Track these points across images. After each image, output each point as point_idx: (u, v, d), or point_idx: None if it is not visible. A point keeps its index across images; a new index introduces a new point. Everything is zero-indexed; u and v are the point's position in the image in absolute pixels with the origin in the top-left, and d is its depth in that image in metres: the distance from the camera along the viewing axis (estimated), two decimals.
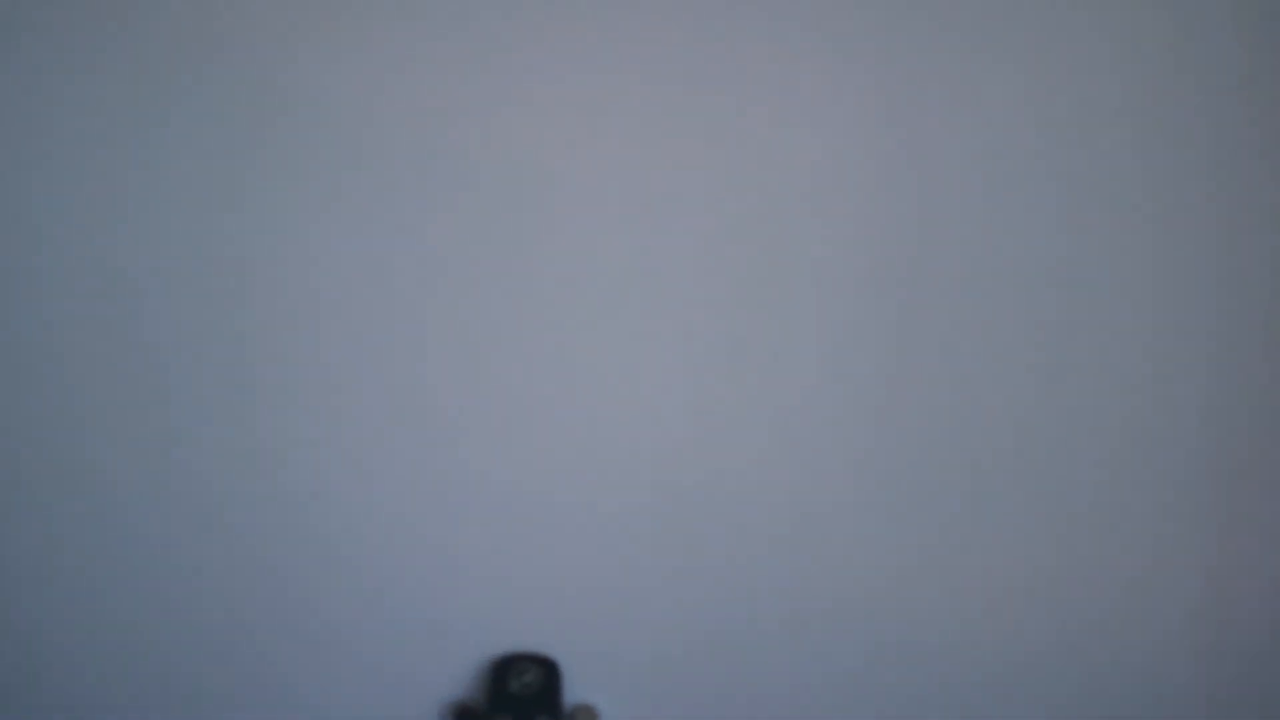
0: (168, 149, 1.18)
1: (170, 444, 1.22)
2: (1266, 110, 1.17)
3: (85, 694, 1.27)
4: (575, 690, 1.27)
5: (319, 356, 1.21)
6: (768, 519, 1.24)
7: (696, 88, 1.17)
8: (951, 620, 1.26)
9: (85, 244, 1.19)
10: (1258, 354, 1.21)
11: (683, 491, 1.23)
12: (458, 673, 1.27)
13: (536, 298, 1.21)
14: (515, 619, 1.26)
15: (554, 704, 1.24)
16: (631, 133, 1.17)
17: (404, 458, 1.23)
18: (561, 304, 1.20)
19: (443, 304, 1.20)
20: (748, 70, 1.17)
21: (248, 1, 1.15)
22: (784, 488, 1.23)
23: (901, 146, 1.17)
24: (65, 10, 1.16)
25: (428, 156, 1.18)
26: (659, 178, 1.18)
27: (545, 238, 1.20)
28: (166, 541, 1.24)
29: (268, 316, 1.20)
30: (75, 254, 1.20)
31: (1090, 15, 1.16)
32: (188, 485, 1.23)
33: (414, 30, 1.16)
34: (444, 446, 1.23)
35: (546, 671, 1.25)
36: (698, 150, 1.18)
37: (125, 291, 1.20)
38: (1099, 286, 1.20)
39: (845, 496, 1.23)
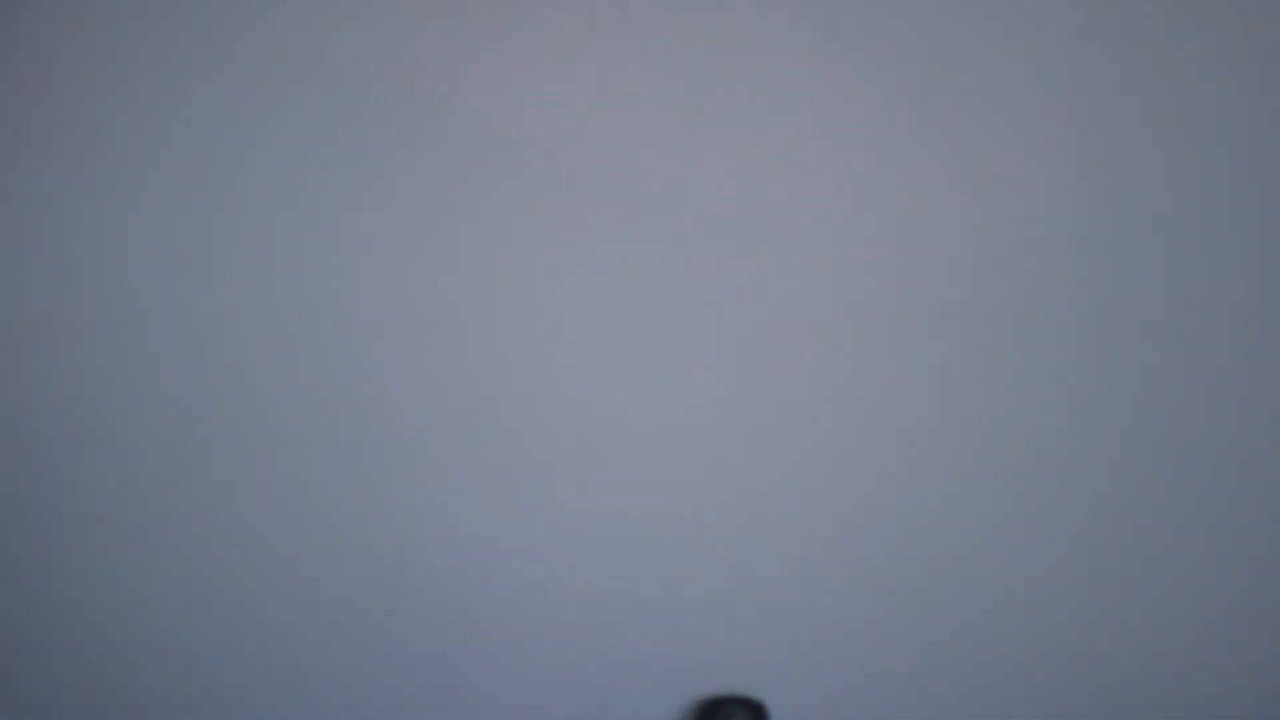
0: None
1: (371, 496, 1.25)
2: None
3: None
4: None
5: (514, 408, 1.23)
6: (979, 556, 1.22)
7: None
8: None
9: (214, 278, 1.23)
10: None
11: (891, 530, 1.22)
12: (664, 715, 1.27)
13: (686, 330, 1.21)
14: (722, 660, 1.25)
15: None
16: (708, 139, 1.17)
17: (613, 504, 1.23)
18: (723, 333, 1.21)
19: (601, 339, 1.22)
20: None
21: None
22: (989, 518, 1.22)
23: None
24: (264, 43, 1.19)
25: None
26: (767, 189, 1.17)
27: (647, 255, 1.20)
28: (369, 589, 1.26)
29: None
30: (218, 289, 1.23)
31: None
32: (396, 532, 1.26)
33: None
34: (649, 491, 1.23)
35: (754, 714, 1.24)
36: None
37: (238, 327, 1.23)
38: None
39: (1062, 523, 1.22)
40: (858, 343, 1.19)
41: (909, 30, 1.13)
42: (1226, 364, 1.17)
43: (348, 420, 1.24)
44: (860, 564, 1.23)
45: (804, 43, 1.14)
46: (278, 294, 1.22)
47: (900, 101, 1.14)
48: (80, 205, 1.21)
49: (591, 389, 1.22)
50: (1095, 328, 1.17)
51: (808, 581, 1.24)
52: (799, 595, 1.24)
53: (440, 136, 1.17)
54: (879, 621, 1.24)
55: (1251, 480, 1.19)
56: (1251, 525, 1.21)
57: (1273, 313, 1.16)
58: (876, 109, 1.14)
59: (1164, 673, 1.26)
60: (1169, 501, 1.21)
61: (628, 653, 1.26)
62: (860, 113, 1.14)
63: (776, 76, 1.14)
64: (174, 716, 1.33)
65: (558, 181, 1.17)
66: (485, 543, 1.25)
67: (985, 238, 1.15)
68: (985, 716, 1.25)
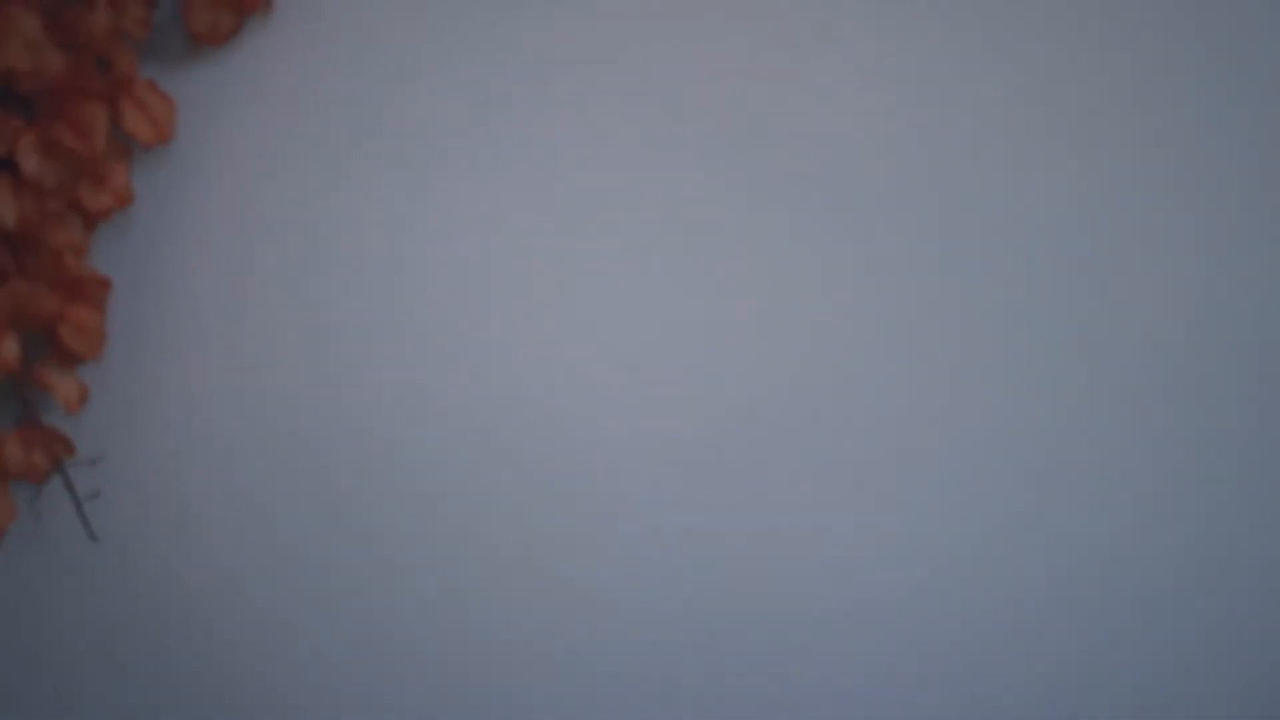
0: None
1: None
2: None
3: None
4: None
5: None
6: None
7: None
8: None
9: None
10: None
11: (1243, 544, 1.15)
12: None
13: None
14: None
15: None
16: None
17: (984, 511, 1.17)
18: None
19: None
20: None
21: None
22: None
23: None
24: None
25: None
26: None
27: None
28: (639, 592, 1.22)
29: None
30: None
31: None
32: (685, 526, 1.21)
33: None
34: (1034, 498, 1.16)
35: None
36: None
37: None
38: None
39: None
40: (1186, 333, 1.14)
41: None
42: None
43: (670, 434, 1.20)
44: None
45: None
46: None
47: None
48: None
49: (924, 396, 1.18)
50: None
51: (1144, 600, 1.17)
52: (1131, 629, 1.17)
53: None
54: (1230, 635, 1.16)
55: None
56: None
57: None
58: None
59: None
60: None
61: (962, 690, 1.18)
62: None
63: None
64: None
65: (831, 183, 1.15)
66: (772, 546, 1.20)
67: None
68: None
